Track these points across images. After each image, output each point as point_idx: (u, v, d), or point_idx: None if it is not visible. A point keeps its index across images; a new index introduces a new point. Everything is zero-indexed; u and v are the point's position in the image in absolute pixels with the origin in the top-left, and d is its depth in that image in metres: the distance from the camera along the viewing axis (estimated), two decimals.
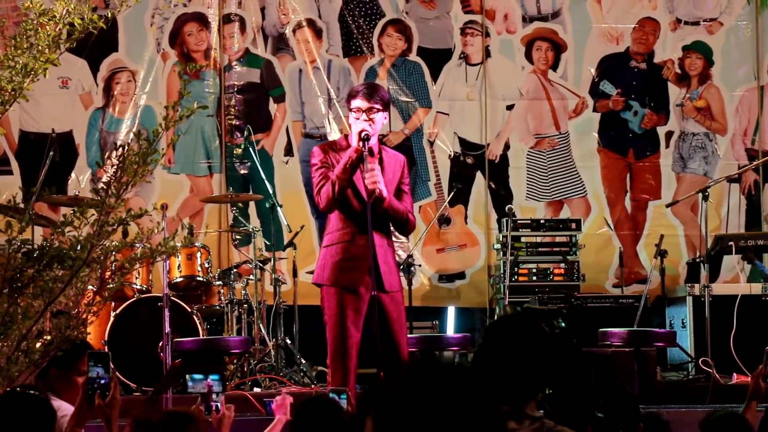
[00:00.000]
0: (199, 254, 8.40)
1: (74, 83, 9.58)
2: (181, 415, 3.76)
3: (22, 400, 3.83)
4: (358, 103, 5.84)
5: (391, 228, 5.96)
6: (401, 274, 8.61)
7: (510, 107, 9.86)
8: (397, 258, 9.20)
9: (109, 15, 4.97)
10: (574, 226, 9.19)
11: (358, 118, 5.81)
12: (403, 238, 9.62)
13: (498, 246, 9.20)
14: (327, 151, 5.91)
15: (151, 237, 4.74)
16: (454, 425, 2.04)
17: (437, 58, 9.89)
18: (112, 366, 4.10)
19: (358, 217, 5.78)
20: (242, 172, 8.97)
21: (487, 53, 9.85)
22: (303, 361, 8.17)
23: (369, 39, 9.82)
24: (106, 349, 7.74)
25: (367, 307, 5.76)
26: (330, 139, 9.25)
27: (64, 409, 4.51)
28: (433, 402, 2.05)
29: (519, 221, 9.19)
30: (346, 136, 6.01)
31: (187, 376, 4.16)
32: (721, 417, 4.22)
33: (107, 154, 9.29)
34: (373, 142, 5.84)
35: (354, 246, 5.79)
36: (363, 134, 5.75)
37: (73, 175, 9.48)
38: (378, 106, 5.83)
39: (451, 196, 9.48)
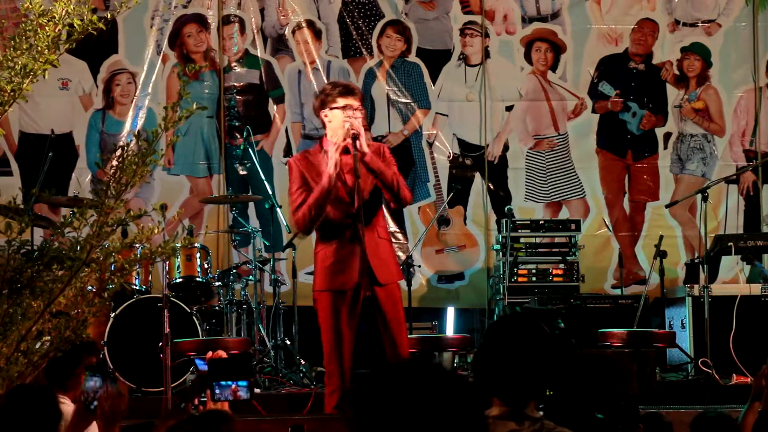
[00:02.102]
0: (198, 255, 8.40)
1: (74, 85, 9.59)
2: (216, 414, 3.76)
3: (27, 394, 3.86)
4: (350, 101, 5.79)
5: (384, 222, 5.94)
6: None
7: (509, 108, 9.86)
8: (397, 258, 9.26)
9: (109, 16, 4.98)
10: (573, 226, 9.19)
11: (351, 116, 5.76)
12: (401, 238, 9.62)
13: (497, 247, 9.20)
14: (302, 161, 5.90)
15: (151, 238, 4.75)
16: (432, 426, 2.04)
17: (436, 59, 9.89)
18: (124, 381, 4.12)
19: (344, 219, 5.77)
20: (242, 173, 8.96)
21: (486, 54, 9.86)
22: (303, 362, 8.17)
23: (368, 40, 9.83)
24: (105, 350, 7.75)
25: (361, 306, 5.77)
26: None
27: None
28: (411, 402, 2.05)
29: (518, 222, 9.20)
30: (320, 141, 5.96)
31: (214, 383, 4.15)
32: (710, 418, 4.22)
33: (107, 156, 9.30)
34: (349, 140, 5.83)
35: (342, 247, 5.77)
36: (353, 133, 5.69)
37: (73, 176, 9.48)
38: (361, 104, 5.85)
39: (450, 197, 9.49)
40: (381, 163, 5.76)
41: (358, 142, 5.66)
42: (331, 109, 5.79)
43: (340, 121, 5.77)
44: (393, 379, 2.09)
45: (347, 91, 5.80)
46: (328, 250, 5.80)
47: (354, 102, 5.77)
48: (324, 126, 5.93)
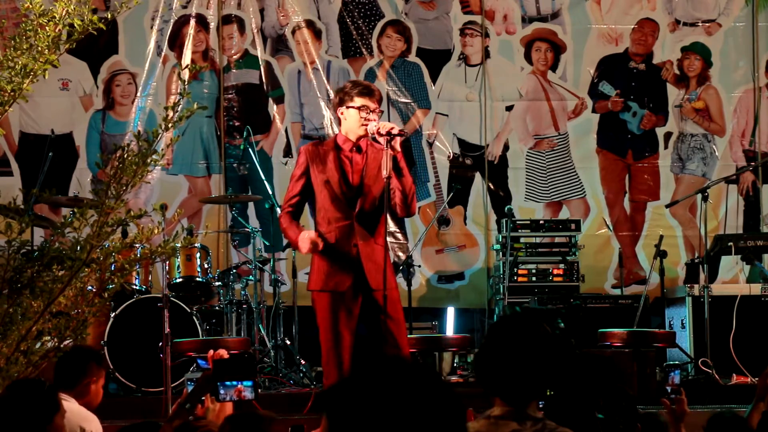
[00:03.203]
0: (198, 255, 8.40)
1: (74, 85, 9.59)
2: (255, 416, 3.77)
3: (22, 387, 3.89)
4: (367, 101, 5.78)
5: (384, 228, 5.93)
6: (401, 275, 8.64)
7: (509, 108, 9.86)
8: (396, 259, 9.26)
9: (109, 17, 4.97)
10: (573, 226, 9.19)
11: (366, 117, 5.76)
12: (401, 238, 9.62)
13: (497, 247, 9.20)
14: (311, 151, 5.88)
15: (151, 238, 4.75)
16: (409, 425, 2.03)
17: (436, 59, 9.89)
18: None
19: (341, 220, 5.77)
20: (242, 172, 8.97)
21: (486, 54, 9.86)
22: (303, 362, 8.17)
23: (368, 40, 9.82)
24: (105, 350, 7.75)
25: (359, 308, 5.77)
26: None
27: (87, 416, 4.56)
28: (386, 402, 2.04)
29: (518, 222, 9.19)
30: (335, 137, 5.97)
31: (218, 383, 4.15)
32: (725, 419, 4.22)
33: (108, 156, 9.28)
34: (363, 139, 5.83)
35: (339, 248, 5.77)
36: (389, 130, 5.65)
37: (73, 176, 9.48)
38: (379, 106, 5.84)
39: (450, 197, 9.49)
40: (406, 168, 5.78)
41: (394, 141, 5.64)
42: (348, 107, 5.79)
43: (354, 120, 5.77)
44: (366, 381, 2.07)
45: (367, 91, 5.79)
46: (326, 250, 5.80)
47: (371, 103, 5.77)
48: (339, 123, 5.95)
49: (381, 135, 5.63)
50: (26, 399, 3.85)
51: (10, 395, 3.89)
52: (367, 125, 5.76)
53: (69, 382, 4.64)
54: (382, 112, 5.87)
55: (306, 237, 5.73)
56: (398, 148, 5.67)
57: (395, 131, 5.63)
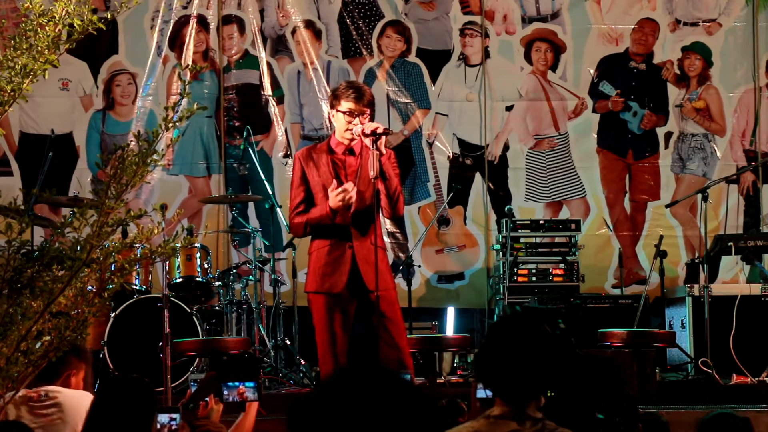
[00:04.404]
0: (198, 255, 8.40)
1: (74, 85, 9.59)
2: None
3: (123, 384, 3.95)
4: (353, 106, 5.81)
5: (379, 229, 5.93)
6: (400, 275, 8.64)
7: (509, 108, 9.86)
8: (395, 259, 9.26)
9: (109, 17, 4.97)
10: (573, 226, 9.19)
11: (350, 122, 5.80)
12: (401, 238, 9.61)
13: (497, 247, 9.20)
14: (305, 156, 5.91)
15: (151, 238, 4.74)
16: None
17: (436, 59, 9.89)
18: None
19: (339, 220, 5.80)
20: (242, 172, 8.97)
21: (486, 54, 9.86)
22: (303, 362, 8.17)
23: (368, 40, 9.83)
24: (105, 350, 7.74)
25: (355, 309, 5.79)
26: None
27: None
28: (351, 419, 2.02)
29: (518, 222, 9.19)
30: (329, 139, 6.00)
31: (222, 384, 4.16)
32: (715, 417, 4.22)
33: (107, 156, 9.27)
34: (355, 142, 5.85)
35: (334, 250, 5.80)
36: (374, 130, 5.69)
37: (73, 176, 9.48)
38: (368, 110, 5.85)
39: (450, 197, 9.49)
40: (392, 170, 5.80)
41: (379, 141, 5.67)
42: (337, 111, 5.84)
43: (342, 125, 5.83)
44: (332, 396, 2.05)
45: (355, 96, 5.82)
46: (321, 252, 5.83)
47: (357, 108, 5.79)
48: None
49: (366, 135, 5.67)
50: (127, 398, 3.89)
51: (111, 392, 3.93)
52: (352, 130, 5.80)
53: (49, 374, 4.68)
54: (371, 114, 5.87)
55: (333, 194, 5.72)
56: (383, 149, 5.69)
57: (380, 131, 5.67)
